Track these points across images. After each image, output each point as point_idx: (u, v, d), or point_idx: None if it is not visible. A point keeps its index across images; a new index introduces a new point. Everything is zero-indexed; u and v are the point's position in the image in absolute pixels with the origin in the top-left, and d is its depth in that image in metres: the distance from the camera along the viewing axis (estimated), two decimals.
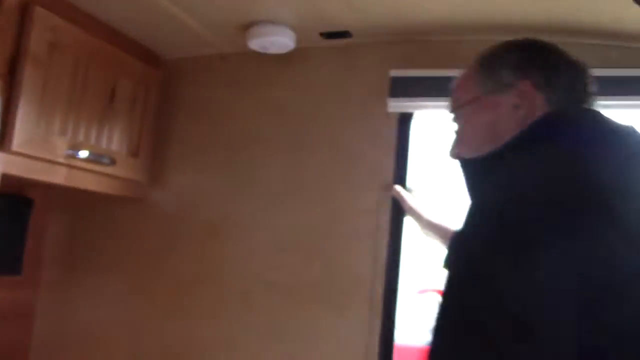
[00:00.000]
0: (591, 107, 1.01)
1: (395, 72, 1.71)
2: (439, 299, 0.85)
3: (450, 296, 0.83)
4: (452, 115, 1.10)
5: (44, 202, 1.95)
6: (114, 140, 1.74)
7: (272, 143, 1.87)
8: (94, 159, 1.64)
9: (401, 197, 1.68)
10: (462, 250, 0.85)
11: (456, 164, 1.08)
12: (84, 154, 1.60)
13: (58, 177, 1.56)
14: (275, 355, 1.77)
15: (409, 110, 1.75)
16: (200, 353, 1.84)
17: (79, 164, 1.60)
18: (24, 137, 1.42)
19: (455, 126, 1.10)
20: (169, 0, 1.58)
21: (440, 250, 1.55)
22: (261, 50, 1.76)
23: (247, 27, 1.71)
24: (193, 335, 1.85)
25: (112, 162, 1.71)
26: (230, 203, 1.88)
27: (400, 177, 1.75)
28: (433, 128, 1.85)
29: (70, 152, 1.56)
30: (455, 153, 1.09)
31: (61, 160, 1.54)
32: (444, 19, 1.63)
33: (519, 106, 1.00)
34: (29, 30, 1.42)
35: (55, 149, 1.52)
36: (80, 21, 1.59)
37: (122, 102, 1.76)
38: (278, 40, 1.71)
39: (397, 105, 1.73)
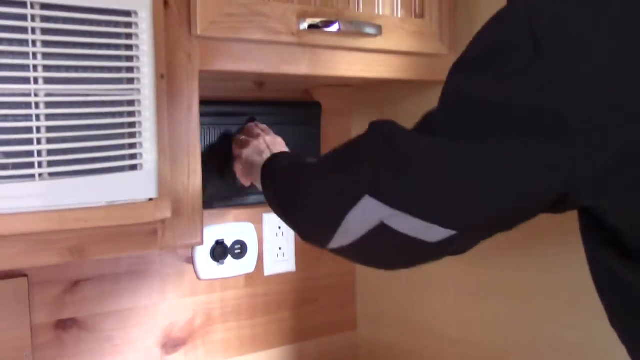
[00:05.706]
0: None
1: None
2: None
3: None
4: None
5: (332, 103, 1.53)
6: None
7: None
8: (348, 29, 1.12)
9: None
10: None
11: None
12: (335, 25, 1.09)
13: (293, 65, 1.09)
14: None
15: None
16: None
17: (321, 39, 1.10)
18: (215, 12, 0.99)
19: None
20: None
21: None
22: None
23: None
24: None
25: (379, 31, 1.16)
26: None
27: None
28: None
29: (304, 23, 1.08)
30: None
31: (290, 39, 1.07)
32: None
33: None
34: None
35: (274, 23, 1.05)
36: None
37: None
38: None
39: None
